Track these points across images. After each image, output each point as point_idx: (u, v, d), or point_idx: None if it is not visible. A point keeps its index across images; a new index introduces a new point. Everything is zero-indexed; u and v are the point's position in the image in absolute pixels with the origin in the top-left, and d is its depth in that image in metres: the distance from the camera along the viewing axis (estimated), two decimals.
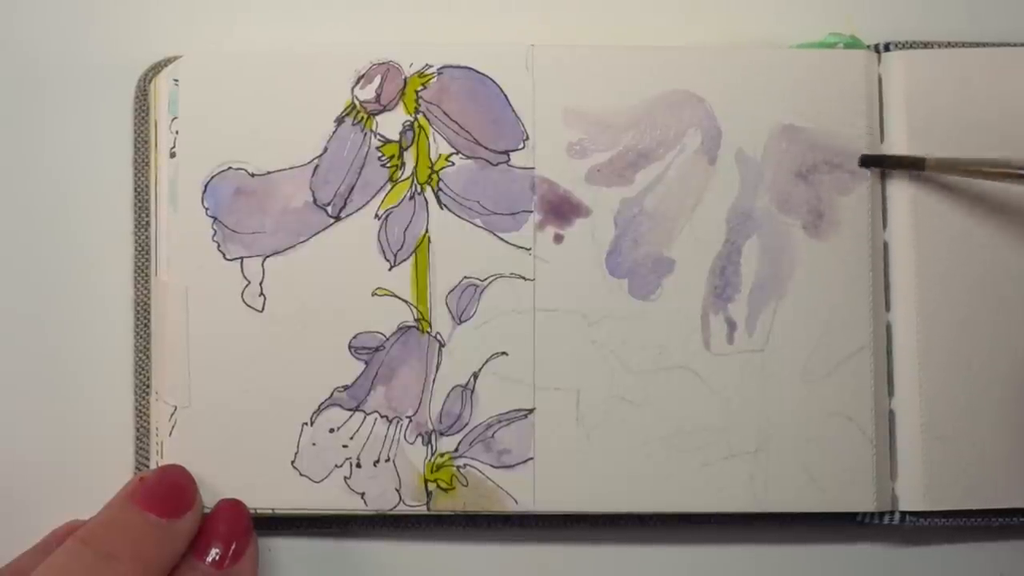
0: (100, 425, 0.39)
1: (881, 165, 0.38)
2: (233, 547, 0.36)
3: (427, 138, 0.38)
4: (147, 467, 0.38)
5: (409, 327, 0.38)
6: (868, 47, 0.39)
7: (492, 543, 0.39)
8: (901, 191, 0.38)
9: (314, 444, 0.38)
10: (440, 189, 0.38)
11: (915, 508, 0.38)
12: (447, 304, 0.38)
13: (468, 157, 0.38)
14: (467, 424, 0.38)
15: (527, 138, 0.38)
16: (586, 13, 0.40)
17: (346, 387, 0.38)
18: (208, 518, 0.37)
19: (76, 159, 0.40)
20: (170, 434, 0.38)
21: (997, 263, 0.38)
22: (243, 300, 0.38)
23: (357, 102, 0.38)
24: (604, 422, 0.38)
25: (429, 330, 0.38)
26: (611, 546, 0.39)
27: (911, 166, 0.37)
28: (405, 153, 0.38)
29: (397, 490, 0.38)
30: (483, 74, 0.38)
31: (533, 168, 0.38)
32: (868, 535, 0.40)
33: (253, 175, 0.38)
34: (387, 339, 0.38)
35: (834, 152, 0.38)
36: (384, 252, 0.38)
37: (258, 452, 0.38)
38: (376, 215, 0.38)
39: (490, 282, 0.38)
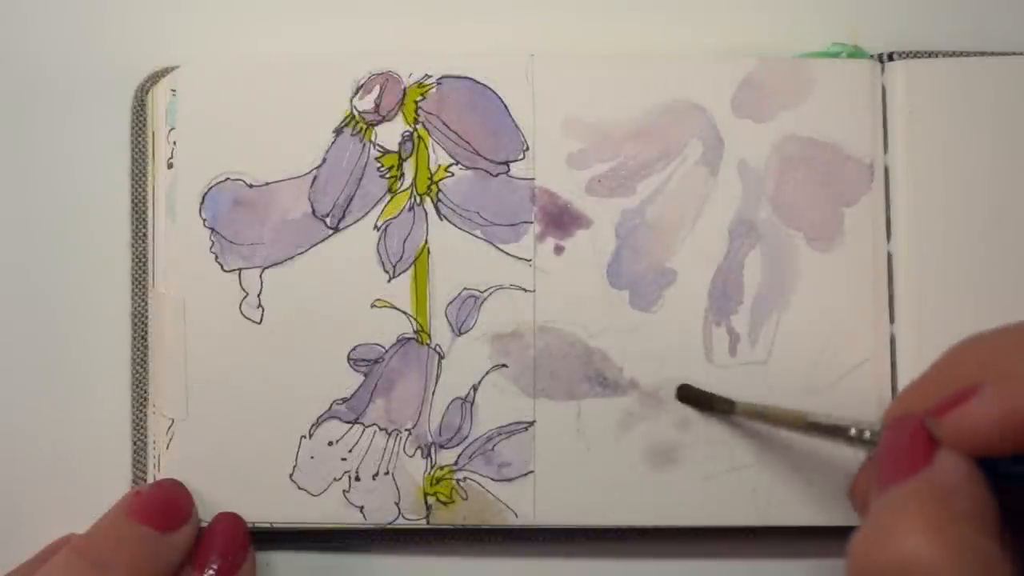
0: (97, 438, 0.39)
1: (694, 404, 0.37)
2: (230, 561, 0.36)
3: (426, 148, 0.38)
4: (144, 480, 0.38)
5: (408, 339, 0.38)
6: (871, 56, 0.39)
7: (492, 557, 0.39)
8: (905, 202, 0.38)
9: (312, 457, 0.37)
10: (439, 200, 0.38)
11: None
12: (447, 315, 0.38)
13: (468, 167, 0.38)
14: (467, 437, 0.37)
15: (527, 148, 0.38)
16: (586, 23, 0.40)
17: (345, 399, 0.37)
18: (205, 531, 0.37)
19: (74, 170, 0.40)
20: (168, 447, 0.37)
21: (1000, 276, 0.38)
22: (241, 312, 0.37)
23: (356, 112, 0.38)
24: (605, 434, 0.37)
25: (428, 342, 0.38)
26: (612, 560, 0.39)
27: (722, 410, 0.37)
28: (404, 163, 0.38)
29: (396, 503, 0.37)
30: (483, 84, 0.38)
31: (533, 178, 0.38)
32: None
33: (251, 185, 0.38)
34: (386, 351, 0.38)
35: (837, 163, 0.38)
36: (383, 263, 0.38)
37: (256, 465, 0.37)
38: (375, 226, 0.38)
39: (490, 293, 0.38)
